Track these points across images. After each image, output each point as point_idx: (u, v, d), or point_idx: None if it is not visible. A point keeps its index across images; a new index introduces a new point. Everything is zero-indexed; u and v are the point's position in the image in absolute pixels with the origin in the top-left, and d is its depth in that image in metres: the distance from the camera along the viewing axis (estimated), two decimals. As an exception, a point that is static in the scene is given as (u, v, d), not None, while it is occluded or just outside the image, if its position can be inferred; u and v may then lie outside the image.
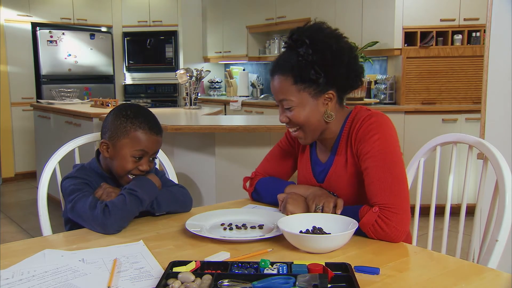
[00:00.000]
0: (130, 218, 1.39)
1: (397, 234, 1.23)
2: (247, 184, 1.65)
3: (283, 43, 5.09)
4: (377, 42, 4.35)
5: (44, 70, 5.82)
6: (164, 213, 1.50)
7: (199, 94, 4.53)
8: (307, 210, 1.37)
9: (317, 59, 1.31)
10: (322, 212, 1.34)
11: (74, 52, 5.98)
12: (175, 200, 1.52)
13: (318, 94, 1.36)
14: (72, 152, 1.76)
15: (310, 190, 1.44)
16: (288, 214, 1.37)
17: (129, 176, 1.48)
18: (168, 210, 1.50)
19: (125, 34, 6.49)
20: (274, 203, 1.55)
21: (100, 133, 1.57)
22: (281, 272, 0.99)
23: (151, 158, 1.52)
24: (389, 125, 1.35)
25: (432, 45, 4.32)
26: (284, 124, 1.43)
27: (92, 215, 1.33)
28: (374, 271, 1.03)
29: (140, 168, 1.48)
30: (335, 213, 1.32)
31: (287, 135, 1.64)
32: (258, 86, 6.20)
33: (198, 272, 0.97)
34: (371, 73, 4.88)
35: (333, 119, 1.39)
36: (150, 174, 1.51)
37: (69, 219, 1.49)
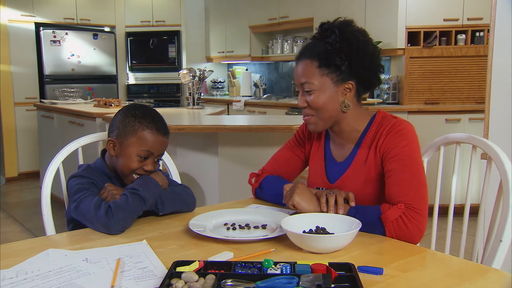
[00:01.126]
0: (134, 217, 1.39)
1: (418, 234, 1.27)
2: (253, 180, 1.65)
3: (291, 40, 4.99)
4: (380, 42, 4.34)
5: (47, 70, 5.83)
6: (168, 213, 1.50)
7: (202, 94, 4.53)
8: (315, 202, 1.35)
9: (344, 47, 1.37)
10: (336, 199, 1.33)
11: (77, 52, 5.99)
12: (179, 199, 1.52)
13: (339, 82, 1.40)
14: (75, 152, 1.76)
15: (315, 190, 1.45)
16: (294, 203, 1.35)
17: (134, 175, 1.49)
18: (172, 210, 1.50)
19: (128, 34, 6.50)
20: (275, 202, 1.56)
21: (104, 132, 1.57)
22: (284, 272, 0.98)
23: (156, 159, 1.52)
24: (414, 134, 1.41)
25: (435, 45, 4.31)
26: (302, 109, 1.47)
27: (96, 215, 1.33)
28: (377, 271, 1.02)
29: (145, 168, 1.48)
30: (349, 205, 1.34)
31: (296, 134, 1.65)
32: (261, 86, 6.19)
33: (202, 272, 0.98)
34: (374, 73, 4.87)
35: (348, 112, 1.43)
36: (156, 172, 1.51)
37: (71, 219, 1.49)
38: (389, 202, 1.32)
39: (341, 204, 1.33)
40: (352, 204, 1.34)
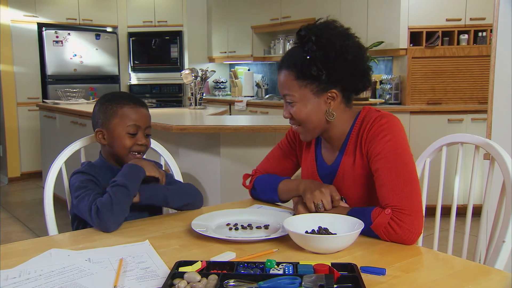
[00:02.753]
0: (124, 208, 1.37)
1: (410, 236, 1.22)
2: (247, 181, 1.65)
3: (292, 41, 4.98)
4: (383, 42, 4.34)
5: (50, 70, 5.84)
6: (178, 206, 1.53)
7: (204, 94, 4.53)
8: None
9: (320, 56, 1.31)
10: (324, 209, 1.34)
11: (79, 52, 6.00)
12: (187, 194, 1.56)
13: (320, 92, 1.35)
14: (77, 152, 1.77)
15: (302, 186, 1.42)
16: (299, 214, 1.37)
17: (133, 153, 1.53)
18: (182, 203, 1.54)
19: (130, 34, 6.51)
20: (269, 201, 1.58)
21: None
22: (287, 272, 0.98)
23: (145, 134, 1.56)
24: (399, 126, 1.34)
25: (437, 45, 4.31)
26: (288, 120, 1.44)
27: (91, 217, 1.35)
28: (380, 271, 1.02)
29: (138, 143, 1.53)
30: (337, 206, 1.34)
31: (287, 136, 1.64)
32: (263, 86, 6.19)
33: (204, 272, 0.98)
34: (377, 73, 4.87)
35: (335, 118, 1.38)
36: (146, 162, 1.52)
37: (76, 216, 1.50)
38: (380, 204, 1.29)
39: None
40: (337, 203, 1.34)
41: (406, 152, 1.31)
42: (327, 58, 1.31)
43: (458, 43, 4.31)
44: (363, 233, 1.21)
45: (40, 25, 5.82)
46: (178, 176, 1.81)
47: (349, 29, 1.38)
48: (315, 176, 1.51)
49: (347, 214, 1.30)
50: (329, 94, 1.36)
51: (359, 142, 1.38)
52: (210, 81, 6.62)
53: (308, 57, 1.31)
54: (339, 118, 1.39)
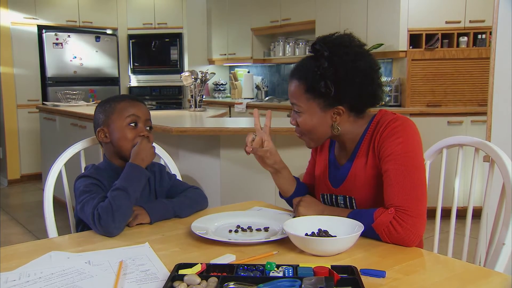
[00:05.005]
0: (125, 213, 1.36)
1: (411, 238, 1.22)
2: None
3: (292, 43, 4.88)
4: (382, 44, 4.34)
5: (49, 72, 5.84)
6: (190, 215, 1.53)
7: (204, 96, 4.53)
8: (319, 213, 1.37)
9: (330, 73, 1.30)
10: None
11: (79, 54, 6.00)
12: (195, 203, 1.57)
13: (327, 107, 1.36)
14: (77, 154, 1.77)
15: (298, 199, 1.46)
16: (299, 215, 1.38)
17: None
18: (191, 213, 1.54)
19: (130, 37, 6.51)
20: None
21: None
22: (286, 274, 0.98)
23: (147, 127, 1.56)
24: (414, 129, 1.35)
25: (437, 47, 4.31)
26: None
27: (94, 222, 1.34)
28: (380, 274, 1.02)
29: (141, 134, 1.53)
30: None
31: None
32: (263, 88, 6.20)
33: (204, 275, 0.98)
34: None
35: (346, 128, 1.39)
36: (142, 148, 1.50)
37: (80, 220, 1.50)
38: (385, 205, 1.29)
39: None
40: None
41: (417, 155, 1.31)
42: (336, 77, 1.31)
43: (457, 45, 4.32)
44: (364, 234, 1.21)
45: (40, 27, 5.82)
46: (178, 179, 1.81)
47: (365, 45, 1.38)
48: (326, 177, 1.51)
49: (347, 217, 1.30)
50: (335, 110, 1.36)
51: (372, 143, 1.38)
52: (210, 83, 6.63)
53: (318, 73, 1.31)
54: (350, 127, 1.40)
